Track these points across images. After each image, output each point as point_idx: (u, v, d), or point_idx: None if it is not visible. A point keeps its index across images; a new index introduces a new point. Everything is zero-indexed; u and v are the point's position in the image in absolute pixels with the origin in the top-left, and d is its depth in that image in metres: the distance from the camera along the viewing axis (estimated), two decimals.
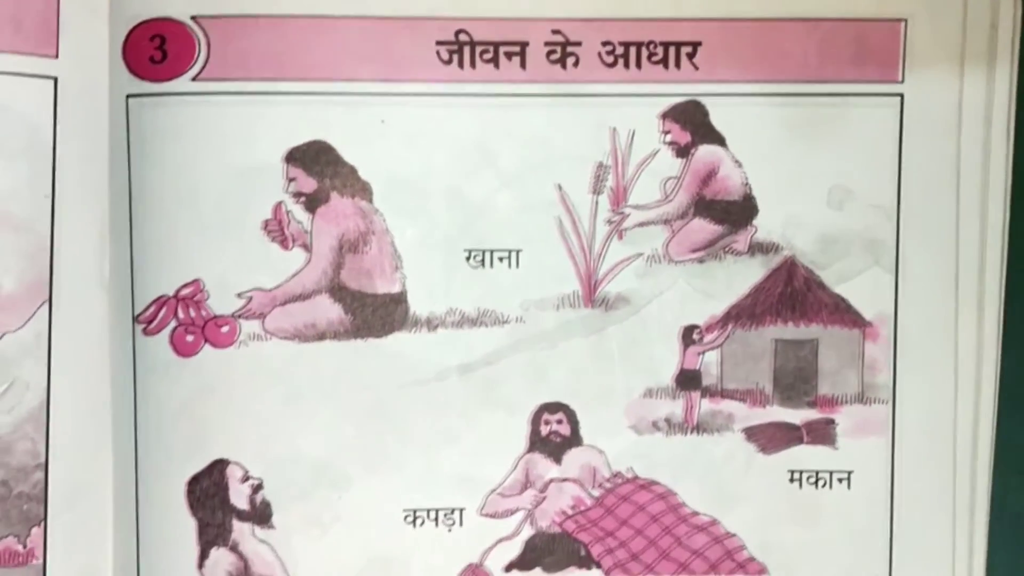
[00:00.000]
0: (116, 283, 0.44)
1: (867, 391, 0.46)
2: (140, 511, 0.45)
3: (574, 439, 0.46)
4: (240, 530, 0.46)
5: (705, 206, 0.46)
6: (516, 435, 0.46)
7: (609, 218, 0.46)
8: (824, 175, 0.45)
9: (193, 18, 0.44)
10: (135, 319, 0.45)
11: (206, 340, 0.45)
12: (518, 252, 0.46)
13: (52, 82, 0.43)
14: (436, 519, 0.46)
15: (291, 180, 0.45)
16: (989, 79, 0.44)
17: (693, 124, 0.45)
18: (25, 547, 0.45)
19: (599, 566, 0.47)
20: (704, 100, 0.45)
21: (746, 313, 0.46)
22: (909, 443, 0.46)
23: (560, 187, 0.45)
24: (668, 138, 0.45)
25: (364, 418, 0.46)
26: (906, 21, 0.45)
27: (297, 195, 0.45)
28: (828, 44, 0.45)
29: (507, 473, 0.46)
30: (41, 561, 0.45)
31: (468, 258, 0.45)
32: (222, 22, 0.44)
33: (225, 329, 0.45)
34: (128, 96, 0.44)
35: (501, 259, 0.46)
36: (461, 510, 0.46)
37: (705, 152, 0.45)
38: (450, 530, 0.46)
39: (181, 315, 0.45)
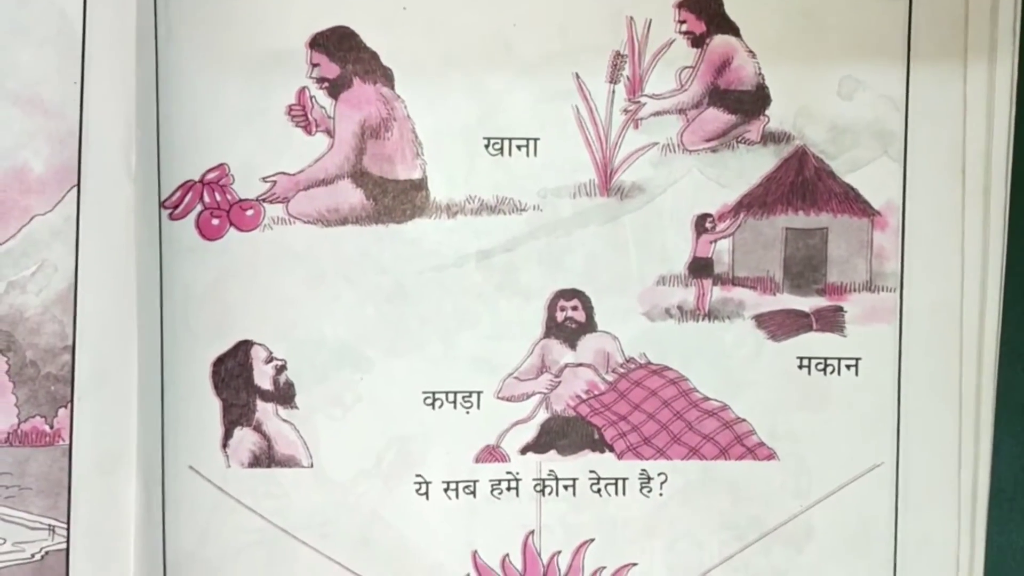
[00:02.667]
0: (143, 168, 0.45)
1: (875, 279, 0.47)
2: (165, 392, 0.46)
3: (589, 325, 0.47)
4: (264, 410, 0.47)
5: (719, 96, 0.46)
6: (532, 321, 0.47)
7: (625, 107, 0.46)
8: (835, 66, 0.46)
9: None
10: (162, 204, 0.46)
11: (231, 224, 0.46)
12: (536, 141, 0.46)
13: None
14: (454, 401, 0.47)
15: (315, 65, 0.46)
16: None
17: (708, 14, 0.46)
18: (52, 428, 0.46)
19: (612, 449, 0.48)
20: None
21: (758, 202, 0.47)
22: (916, 331, 0.47)
23: (578, 76, 0.46)
24: (684, 27, 0.46)
25: (384, 302, 0.46)
26: None
27: (320, 80, 0.46)
28: None
29: (523, 358, 0.47)
30: (68, 442, 0.45)
31: (487, 146, 0.46)
32: None
33: (250, 213, 0.46)
34: None
35: (519, 147, 0.46)
36: (478, 393, 0.47)
37: (720, 42, 0.46)
38: (468, 412, 0.47)
39: (207, 199, 0.46)
